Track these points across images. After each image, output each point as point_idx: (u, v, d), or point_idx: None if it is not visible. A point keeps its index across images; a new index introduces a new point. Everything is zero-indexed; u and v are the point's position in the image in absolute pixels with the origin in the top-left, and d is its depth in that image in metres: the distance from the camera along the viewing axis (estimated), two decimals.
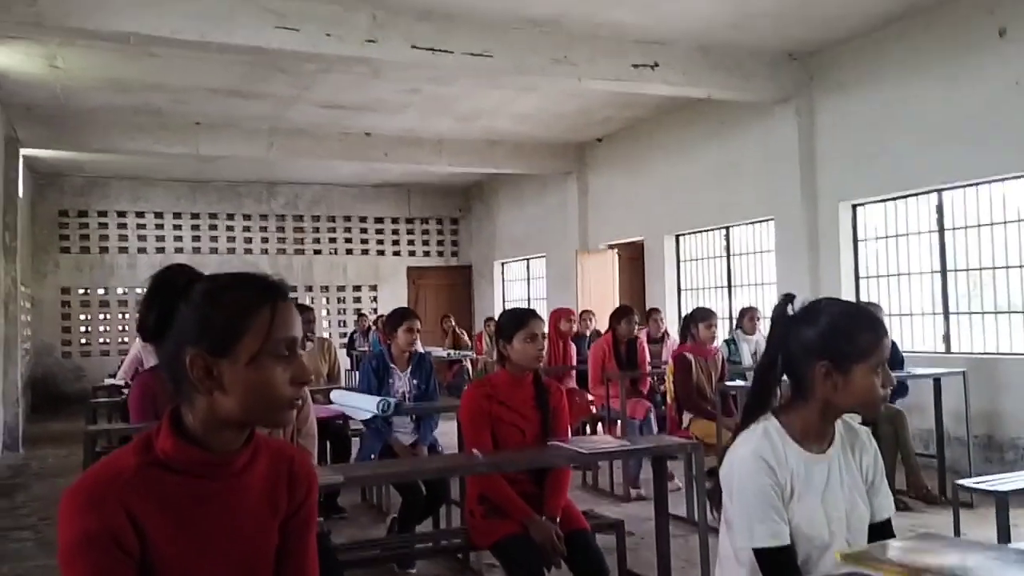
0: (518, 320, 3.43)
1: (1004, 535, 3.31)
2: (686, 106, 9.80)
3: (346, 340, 13.81)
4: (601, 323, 9.42)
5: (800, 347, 1.91)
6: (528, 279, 15.07)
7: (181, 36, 6.31)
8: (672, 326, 9.02)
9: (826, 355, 1.86)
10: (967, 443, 6.11)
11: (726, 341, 7.52)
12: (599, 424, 7.45)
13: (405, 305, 11.11)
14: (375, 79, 8.78)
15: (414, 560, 4.46)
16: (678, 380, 6.03)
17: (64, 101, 9.40)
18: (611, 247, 11.94)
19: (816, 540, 1.87)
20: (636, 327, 7.21)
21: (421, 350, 5.40)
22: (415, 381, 5.01)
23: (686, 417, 6.01)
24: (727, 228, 10.04)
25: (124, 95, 9.28)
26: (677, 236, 10.85)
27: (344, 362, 13.31)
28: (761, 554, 1.83)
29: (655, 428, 6.57)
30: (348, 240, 15.92)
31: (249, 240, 15.20)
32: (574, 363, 7.88)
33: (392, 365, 4.99)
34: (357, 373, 12.45)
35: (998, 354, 6.82)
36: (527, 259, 14.92)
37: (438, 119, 10.84)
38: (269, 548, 1.46)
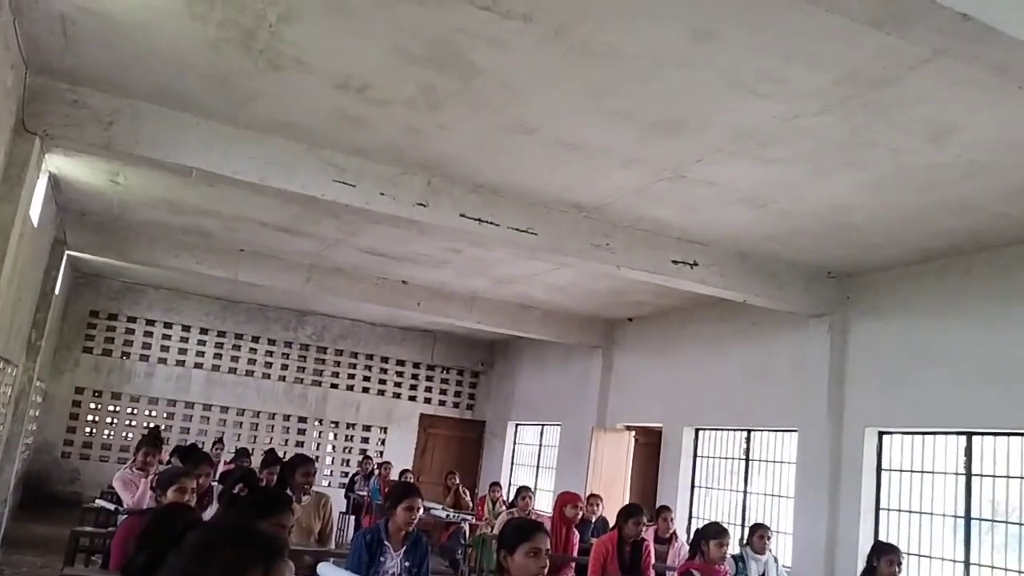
0: (524, 532, 3.30)
1: None
2: (720, 303, 9.84)
3: (347, 480, 13.51)
4: (609, 507, 9.13)
5: None
6: (540, 445, 14.80)
7: (242, 177, 6.52)
8: (681, 524, 8.70)
9: None
10: None
11: (734, 557, 7.19)
12: None
13: (411, 464, 10.91)
14: (420, 235, 8.97)
15: None
16: None
17: (118, 212, 9.69)
18: (628, 428, 11.75)
19: None
20: (644, 528, 6.94)
21: (417, 520, 5.20)
22: (407, 564, 4.79)
23: None
24: (748, 431, 9.85)
25: (176, 215, 9.55)
26: (697, 429, 10.66)
27: (340, 503, 13.03)
28: None
29: None
30: (367, 378, 15.89)
31: (269, 364, 15.23)
32: (575, 553, 7.56)
33: (387, 543, 4.79)
34: (352, 519, 12.13)
35: None
36: (542, 425, 14.70)
37: (474, 278, 11.00)
38: None
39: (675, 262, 7.92)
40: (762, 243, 7.76)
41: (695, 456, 10.65)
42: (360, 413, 15.69)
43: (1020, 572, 6.75)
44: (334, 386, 15.63)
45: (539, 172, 6.72)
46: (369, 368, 15.92)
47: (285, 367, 15.32)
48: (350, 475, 13.77)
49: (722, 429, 10.25)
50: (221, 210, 9.10)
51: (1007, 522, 6.90)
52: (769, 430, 9.47)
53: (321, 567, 4.88)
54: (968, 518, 7.09)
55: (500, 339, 15.73)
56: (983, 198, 6.04)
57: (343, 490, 13.42)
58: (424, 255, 10.03)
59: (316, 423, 15.23)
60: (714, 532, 5.94)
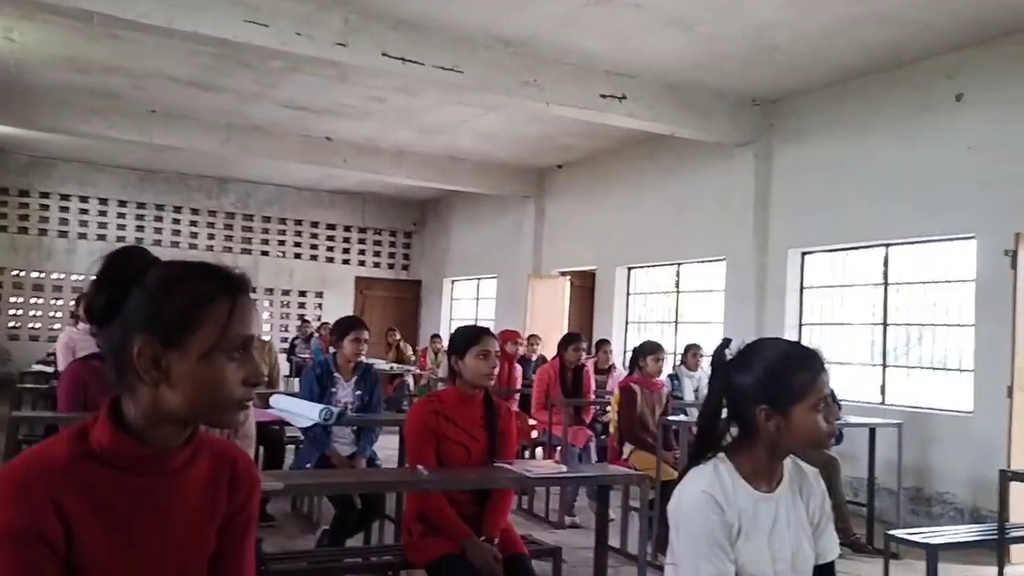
0: (472, 336, 3.39)
1: None
2: (647, 141, 9.90)
3: (287, 345, 13.57)
4: (547, 349, 9.42)
5: (739, 392, 1.91)
6: (477, 299, 15.02)
7: (148, 20, 6.16)
8: (619, 359, 9.05)
9: (764, 399, 1.86)
10: (897, 494, 6.21)
11: (669, 376, 7.56)
12: (538, 449, 7.41)
13: (351, 314, 10.97)
14: (341, 83, 8.68)
15: (343, 575, 4.33)
16: (622, 411, 6.01)
17: (16, 75, 9.10)
18: (563, 274, 11.97)
19: None
20: (583, 355, 7.21)
21: (366, 361, 5.31)
22: (359, 392, 4.91)
23: (627, 448, 5.98)
24: (679, 265, 10.14)
25: (80, 75, 9.02)
26: (629, 268, 10.93)
27: (283, 368, 13.11)
28: None
29: (594, 457, 6.55)
30: (297, 244, 15.71)
31: (195, 235, 14.90)
32: (519, 386, 7.84)
33: (336, 374, 4.89)
34: (296, 380, 12.26)
35: (931, 409, 6.97)
36: (478, 279, 14.87)
37: (400, 130, 10.78)
38: (204, 552, 1.38)
39: (603, 96, 7.87)
40: (689, 72, 7.75)
41: (628, 294, 10.96)
42: (294, 279, 15.59)
43: (931, 368, 7.28)
44: (264, 254, 15.42)
45: (462, 1, 6.50)
46: (299, 234, 15.71)
47: (212, 236, 15.01)
48: (290, 340, 13.83)
49: (654, 265, 10.53)
50: (128, 66, 8.62)
51: (920, 324, 7.37)
52: (698, 261, 9.76)
53: (274, 399, 4.97)
54: (885, 324, 7.55)
55: (431, 197, 15.61)
56: (907, 7, 6.10)
57: (284, 356, 13.50)
58: (347, 106, 9.75)
59: (249, 292, 15.06)
60: (650, 348, 6.20)
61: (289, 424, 5.20)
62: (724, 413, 1.99)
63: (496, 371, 3.54)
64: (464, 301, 15.53)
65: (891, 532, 4.17)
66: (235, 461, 1.45)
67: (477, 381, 3.34)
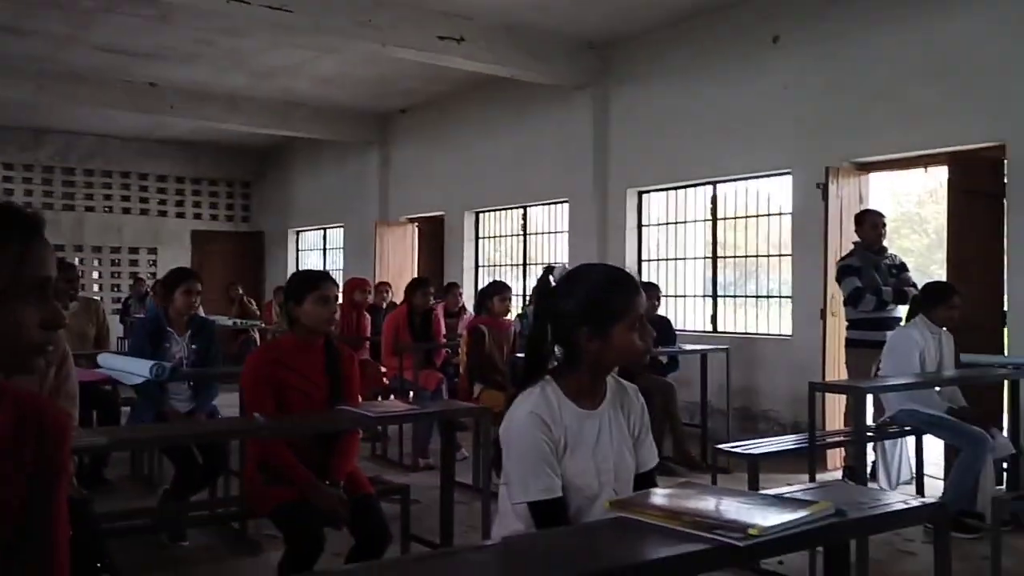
0: (309, 281, 3.34)
1: (754, 489, 3.64)
2: (489, 84, 9.91)
3: (120, 306, 12.87)
4: (398, 297, 9.39)
5: (563, 317, 2.01)
6: (324, 249, 14.72)
7: None
8: (469, 302, 9.14)
9: (585, 322, 1.96)
10: (727, 414, 6.68)
11: (519, 315, 7.73)
12: (391, 395, 7.43)
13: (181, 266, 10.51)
14: (163, 24, 8.17)
15: (186, 530, 4.24)
16: (470, 351, 6.12)
17: None
18: (411, 220, 11.91)
19: (586, 491, 1.97)
20: (432, 299, 7.25)
21: (202, 315, 5.13)
22: (194, 346, 4.74)
23: (477, 388, 6.12)
24: (524, 208, 10.31)
25: None
26: (477, 213, 11.00)
27: (117, 329, 12.43)
28: (535, 507, 1.91)
29: (446, 398, 6.63)
30: (126, 198, 14.80)
31: (10, 192, 13.72)
32: (368, 334, 7.79)
33: (169, 328, 4.69)
34: (127, 341, 11.67)
35: (756, 335, 7.49)
36: (324, 228, 14.56)
37: (231, 74, 10.29)
38: (7, 504, 1.32)
39: (442, 38, 7.80)
40: (526, 14, 7.79)
41: (477, 238, 11.06)
42: (124, 236, 14.71)
43: (755, 296, 7.81)
44: (90, 209, 14.44)
45: None
46: (127, 187, 14.79)
47: (29, 192, 13.88)
48: (123, 300, 13.11)
49: (500, 209, 10.64)
50: None
51: (746, 256, 7.87)
52: (544, 203, 9.95)
53: (102, 358, 4.73)
54: (715, 257, 8.00)
55: (270, 144, 15.02)
56: None
57: (117, 317, 12.80)
58: (171, 48, 9.18)
59: (75, 251, 14.10)
60: (496, 288, 6.32)
61: (123, 384, 4.97)
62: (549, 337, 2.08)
63: (336, 316, 3.52)
64: (311, 252, 15.19)
65: (718, 446, 4.49)
66: (42, 412, 1.39)
67: (317, 327, 3.30)
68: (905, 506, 1.84)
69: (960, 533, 4.51)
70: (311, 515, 3.03)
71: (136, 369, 4.21)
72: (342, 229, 13.71)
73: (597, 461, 2.00)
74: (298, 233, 15.27)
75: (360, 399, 3.58)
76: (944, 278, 5.62)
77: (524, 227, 10.43)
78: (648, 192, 8.62)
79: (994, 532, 3.31)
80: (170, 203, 15.20)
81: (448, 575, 1.45)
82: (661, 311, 6.83)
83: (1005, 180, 5.75)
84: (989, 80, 5.79)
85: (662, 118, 8.15)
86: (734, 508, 1.70)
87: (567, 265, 2.40)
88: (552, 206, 9.86)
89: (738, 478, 5.48)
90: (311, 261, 14.98)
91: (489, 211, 10.86)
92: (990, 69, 5.79)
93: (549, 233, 10.05)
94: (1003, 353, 5.76)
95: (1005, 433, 4.95)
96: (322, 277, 3.39)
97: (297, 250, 15.36)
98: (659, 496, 1.80)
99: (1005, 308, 5.86)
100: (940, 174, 6.14)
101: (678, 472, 6.17)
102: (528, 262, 10.39)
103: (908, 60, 6.26)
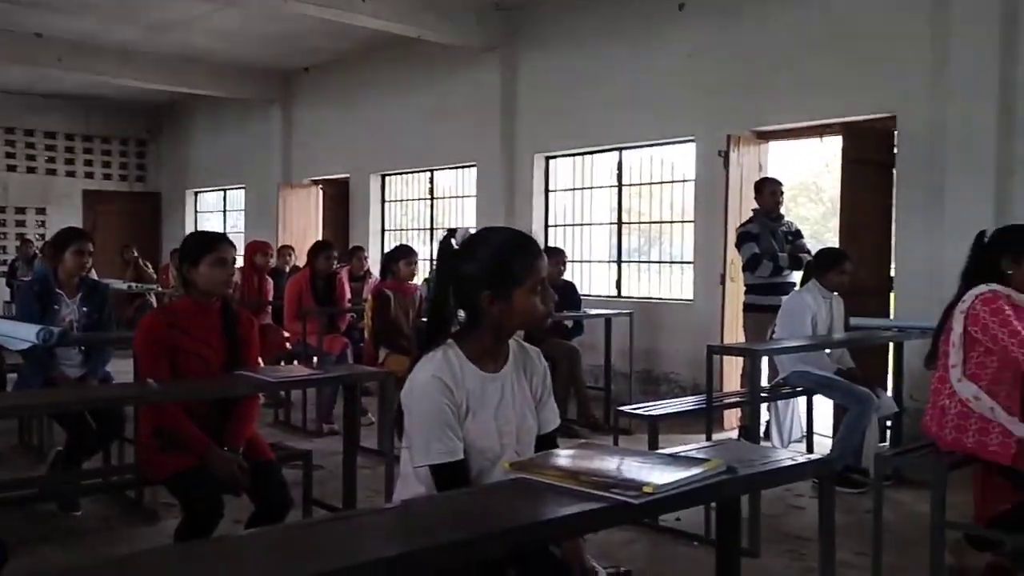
0: (205, 243, 3.23)
1: (653, 449, 3.74)
2: (397, 45, 9.70)
3: (6, 268, 12.20)
4: (301, 260, 9.18)
5: (465, 280, 2.00)
6: (224, 211, 14.26)
7: None
8: (375, 266, 9.03)
9: (487, 286, 1.96)
10: (630, 377, 6.83)
11: (425, 280, 7.68)
12: (295, 360, 7.29)
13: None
14: None
15: (78, 500, 4.09)
16: (376, 315, 6.06)
17: None
18: (315, 183, 11.64)
19: (488, 453, 1.98)
20: (336, 263, 7.12)
21: (94, 277, 4.90)
22: (85, 309, 4.54)
23: (382, 352, 6.06)
24: (432, 171, 10.20)
25: None
26: (383, 176, 10.83)
27: (3, 293, 11.82)
28: (436, 470, 1.91)
29: (351, 364, 6.55)
30: (10, 155, 13.96)
31: None
32: (270, 299, 7.62)
33: (59, 291, 4.47)
34: (13, 306, 11.10)
35: (660, 299, 7.65)
36: (224, 190, 14.08)
37: (124, 26, 9.77)
38: None
39: None
40: None
41: (383, 201, 10.90)
42: (9, 194, 13.90)
43: (659, 262, 7.97)
44: None
45: None
46: (12, 143, 13.96)
47: None
48: (9, 262, 12.44)
49: (407, 172, 10.51)
50: None
51: (650, 222, 8.01)
52: (451, 167, 9.87)
53: None
54: (620, 223, 8.12)
55: (167, 102, 14.38)
56: None
57: (3, 280, 12.16)
58: None
59: None
60: (402, 253, 6.25)
61: (8, 349, 4.72)
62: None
63: (234, 279, 3.42)
64: (210, 214, 14.69)
65: (620, 408, 4.59)
66: None
67: (213, 290, 3.20)
68: (792, 463, 1.92)
69: (845, 488, 4.75)
70: (208, 481, 2.96)
71: (22, 334, 4.01)
72: (243, 190, 13.30)
73: (499, 423, 2.01)
74: (196, 194, 14.74)
75: (261, 363, 3.50)
76: (837, 245, 5.85)
77: (431, 191, 10.33)
78: (555, 158, 8.65)
79: (876, 487, 3.48)
80: (60, 161, 14.42)
81: (345, 538, 1.43)
82: (567, 276, 6.90)
83: (895, 151, 6.00)
84: (881, 52, 5.99)
85: (570, 83, 8.16)
86: (631, 468, 1.73)
87: (471, 230, 2.37)
88: (460, 170, 9.80)
89: (639, 439, 5.61)
90: (211, 223, 14.49)
91: (395, 174, 10.71)
92: (882, 42, 5.99)
93: (456, 197, 9.99)
94: (889, 317, 6.06)
95: (889, 393, 5.21)
96: (218, 239, 3.29)
97: (196, 212, 14.83)
98: (558, 457, 1.82)
99: (892, 274, 6.15)
100: (835, 144, 6.35)
101: (582, 434, 6.29)
102: (435, 226, 10.32)
103: (807, 31, 6.43)
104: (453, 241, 2.05)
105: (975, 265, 3.53)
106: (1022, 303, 3.45)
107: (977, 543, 3.47)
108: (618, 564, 2.62)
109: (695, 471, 1.72)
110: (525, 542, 1.57)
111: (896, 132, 5.95)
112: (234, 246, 3.35)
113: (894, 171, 6.02)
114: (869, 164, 6.10)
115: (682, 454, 1.91)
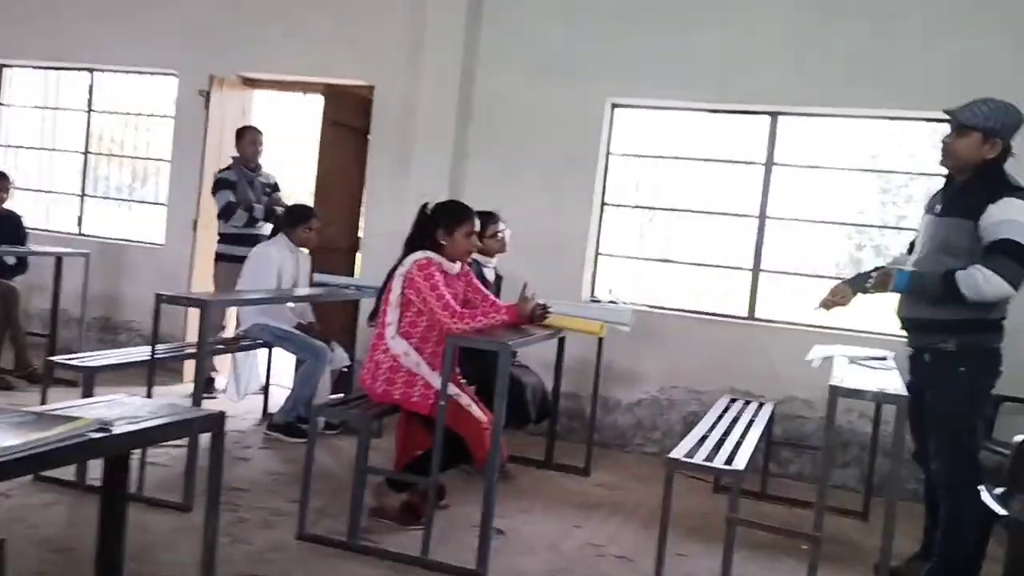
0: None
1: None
2: None
3: None
4: None
5: None
6: None
7: None
8: None
9: None
10: (81, 323, 6.20)
11: None
12: None
13: None
14: None
15: None
16: None
17: None
18: None
19: None
20: None
21: None
22: None
23: None
24: None
25: None
26: None
27: None
28: None
29: None
30: None
31: None
32: None
33: None
34: None
35: (127, 241, 7.02)
36: None
37: None
38: None
39: None
40: None
41: None
42: None
43: (128, 200, 7.35)
44: None
45: None
46: None
47: None
48: None
49: None
50: None
51: (121, 156, 7.32)
52: None
53: None
54: (87, 153, 7.25)
55: None
56: None
57: None
58: None
59: None
60: None
61: None
62: None
63: None
64: None
65: (51, 358, 4.10)
66: None
67: None
68: (180, 418, 1.84)
69: (295, 438, 4.91)
70: None
71: None
72: None
73: None
74: None
75: None
76: (311, 203, 5.96)
77: None
78: (13, 67, 7.42)
79: (311, 436, 3.63)
80: None
81: None
82: (8, 205, 5.98)
83: (372, 119, 6.28)
84: (367, 23, 6.18)
85: None
86: None
87: None
88: None
89: (76, 391, 5.14)
90: None
91: None
92: (370, 14, 6.19)
93: None
94: (355, 275, 6.39)
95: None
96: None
97: None
98: None
99: (360, 235, 6.49)
100: (318, 102, 6.42)
101: (16, 386, 5.57)
102: None
103: None
104: None
105: (417, 233, 3.87)
106: (451, 271, 3.89)
107: (396, 485, 3.82)
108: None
109: (57, 430, 1.55)
110: None
111: (373, 101, 6.23)
112: None
113: (369, 138, 6.31)
114: (347, 128, 6.33)
115: (52, 413, 1.72)
